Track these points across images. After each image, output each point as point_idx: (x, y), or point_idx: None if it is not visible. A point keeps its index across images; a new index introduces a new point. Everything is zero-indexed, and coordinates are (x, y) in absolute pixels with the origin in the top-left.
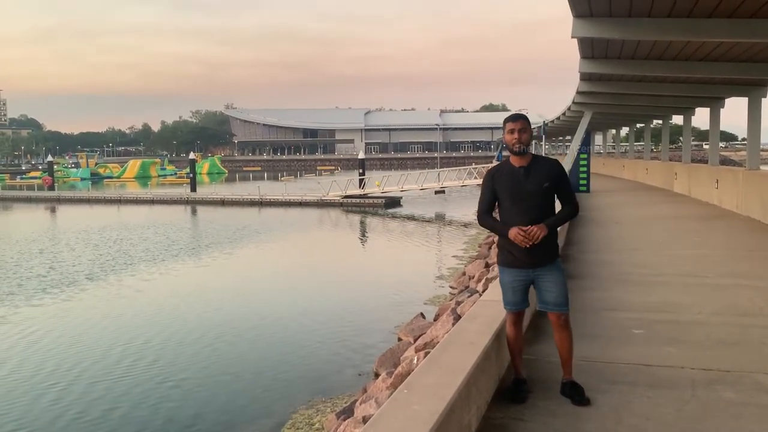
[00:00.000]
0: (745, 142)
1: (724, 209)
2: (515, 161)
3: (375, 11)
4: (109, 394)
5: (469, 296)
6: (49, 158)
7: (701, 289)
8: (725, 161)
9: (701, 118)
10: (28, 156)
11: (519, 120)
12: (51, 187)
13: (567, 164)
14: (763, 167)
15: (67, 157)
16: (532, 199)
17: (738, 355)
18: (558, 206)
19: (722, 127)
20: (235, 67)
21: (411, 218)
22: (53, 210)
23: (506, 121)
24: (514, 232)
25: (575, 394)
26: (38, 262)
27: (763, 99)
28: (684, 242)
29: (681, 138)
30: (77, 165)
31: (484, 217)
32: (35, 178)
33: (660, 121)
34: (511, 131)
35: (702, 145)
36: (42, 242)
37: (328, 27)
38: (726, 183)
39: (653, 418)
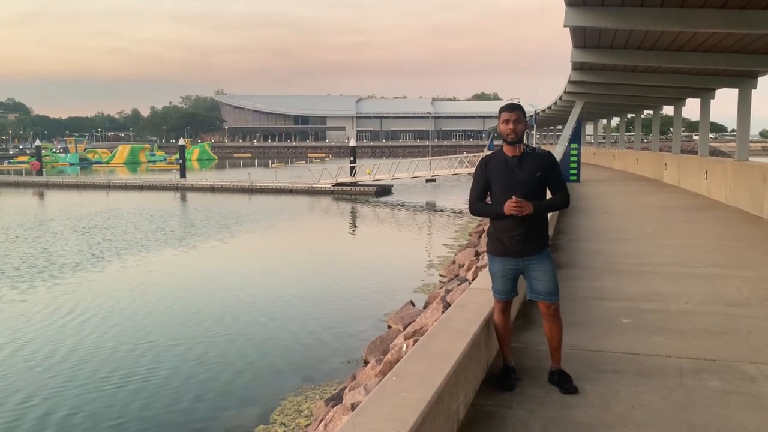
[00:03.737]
0: (735, 133)
1: (713, 200)
2: (509, 151)
3: None
4: (91, 380)
5: (458, 284)
6: (37, 143)
7: (689, 278)
8: (715, 152)
9: (692, 109)
10: (16, 140)
11: (514, 110)
12: (39, 172)
13: (558, 153)
14: (752, 159)
15: (55, 142)
16: (523, 189)
17: (724, 345)
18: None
19: (712, 119)
20: (225, 53)
21: (402, 206)
22: (41, 195)
23: (501, 110)
24: (507, 204)
25: (563, 382)
26: (27, 250)
27: (753, 91)
28: (673, 232)
29: (671, 129)
30: (66, 150)
31: (476, 204)
32: (23, 162)
33: (651, 112)
34: (506, 121)
35: (692, 136)
36: (30, 228)
37: (318, 13)
38: (715, 174)
39: (640, 406)
